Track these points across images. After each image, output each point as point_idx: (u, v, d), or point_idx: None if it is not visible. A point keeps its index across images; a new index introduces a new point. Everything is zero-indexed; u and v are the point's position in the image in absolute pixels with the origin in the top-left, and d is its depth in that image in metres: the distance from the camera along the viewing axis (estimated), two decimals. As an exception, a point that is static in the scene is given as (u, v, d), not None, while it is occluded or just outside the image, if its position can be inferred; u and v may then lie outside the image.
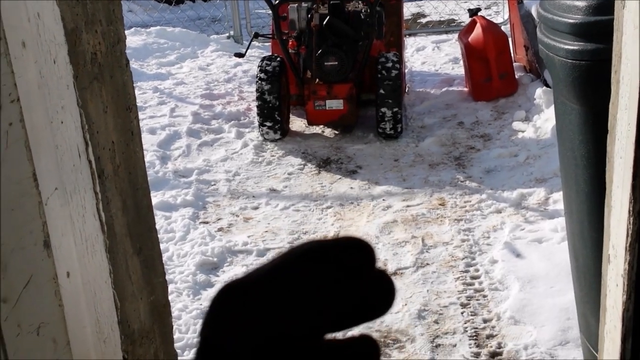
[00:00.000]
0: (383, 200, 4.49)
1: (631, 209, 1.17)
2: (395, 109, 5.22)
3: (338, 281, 0.44)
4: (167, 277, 1.66)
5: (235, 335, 0.43)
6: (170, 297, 1.56)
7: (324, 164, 5.07)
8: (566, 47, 1.99)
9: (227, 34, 8.50)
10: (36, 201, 0.98)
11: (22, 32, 1.00)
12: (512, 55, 6.21)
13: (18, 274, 0.95)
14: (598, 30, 1.89)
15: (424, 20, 9.14)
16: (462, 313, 3.33)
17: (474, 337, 3.16)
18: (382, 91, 5.19)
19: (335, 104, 5.25)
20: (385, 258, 3.81)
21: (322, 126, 5.57)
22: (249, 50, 6.03)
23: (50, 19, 1.10)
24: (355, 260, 0.45)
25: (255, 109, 5.43)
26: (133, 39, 7.74)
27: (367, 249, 0.45)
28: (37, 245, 0.98)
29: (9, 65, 0.96)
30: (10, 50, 0.96)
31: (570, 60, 1.97)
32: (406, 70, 6.40)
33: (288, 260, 0.45)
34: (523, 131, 5.23)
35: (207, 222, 4.31)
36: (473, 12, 6.22)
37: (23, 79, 0.98)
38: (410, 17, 9.06)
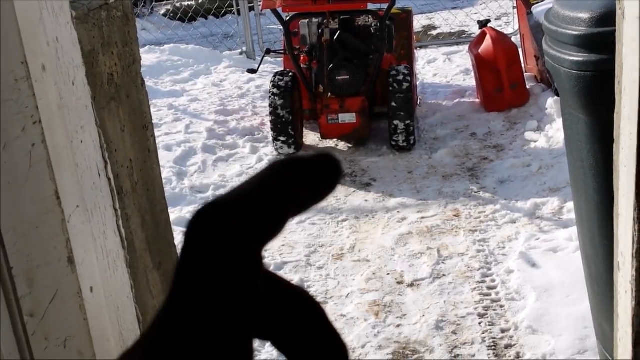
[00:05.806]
0: (398, 212, 4.51)
1: (636, 216, 1.19)
2: (408, 121, 5.24)
3: None
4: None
5: None
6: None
7: (338, 178, 5.09)
8: (571, 58, 2.01)
9: (240, 50, 8.57)
10: (59, 218, 1.02)
11: (42, 56, 1.03)
12: (523, 65, 6.22)
13: (44, 289, 0.98)
14: (601, 42, 1.92)
15: (434, 33, 9.17)
16: (479, 323, 3.34)
17: (493, 347, 3.17)
18: (394, 104, 5.21)
19: (348, 118, 5.28)
20: (402, 270, 3.83)
21: (335, 140, 5.61)
22: (261, 66, 6.08)
23: (69, 42, 1.13)
24: None
25: (269, 124, 5.47)
26: (147, 57, 7.81)
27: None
28: (62, 261, 1.01)
29: (30, 89, 0.99)
30: (32, 74, 0.99)
31: (575, 72, 2.00)
32: (418, 83, 6.43)
33: None
34: (535, 141, 5.25)
35: (223, 237, 4.34)
36: (483, 24, 6.25)
37: (44, 101, 1.01)
38: (421, 30, 9.10)
